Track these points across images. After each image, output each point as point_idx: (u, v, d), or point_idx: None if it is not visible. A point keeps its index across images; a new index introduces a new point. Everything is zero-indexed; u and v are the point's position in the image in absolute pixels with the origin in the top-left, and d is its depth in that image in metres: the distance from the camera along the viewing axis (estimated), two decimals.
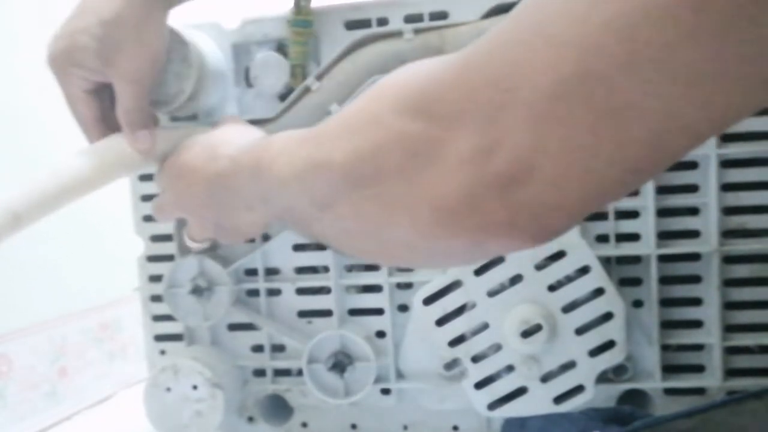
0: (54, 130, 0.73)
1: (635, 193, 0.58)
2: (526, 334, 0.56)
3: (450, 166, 0.29)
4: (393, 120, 0.31)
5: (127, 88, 0.51)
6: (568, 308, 0.57)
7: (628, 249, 0.58)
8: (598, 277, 0.57)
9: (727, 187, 0.57)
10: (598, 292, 0.57)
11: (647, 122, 0.25)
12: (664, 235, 0.58)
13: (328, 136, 0.35)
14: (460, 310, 0.59)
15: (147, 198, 0.65)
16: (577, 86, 0.25)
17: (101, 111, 0.53)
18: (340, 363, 0.62)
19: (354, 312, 0.64)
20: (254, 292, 0.65)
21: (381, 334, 0.63)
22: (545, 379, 0.58)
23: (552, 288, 0.57)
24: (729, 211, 0.57)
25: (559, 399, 0.58)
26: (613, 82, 0.24)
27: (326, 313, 0.63)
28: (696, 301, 0.59)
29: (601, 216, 0.59)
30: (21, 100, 0.79)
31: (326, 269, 0.63)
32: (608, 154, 0.26)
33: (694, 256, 0.58)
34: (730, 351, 0.58)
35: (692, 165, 0.57)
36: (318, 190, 0.36)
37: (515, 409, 0.59)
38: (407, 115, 0.31)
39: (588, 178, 0.27)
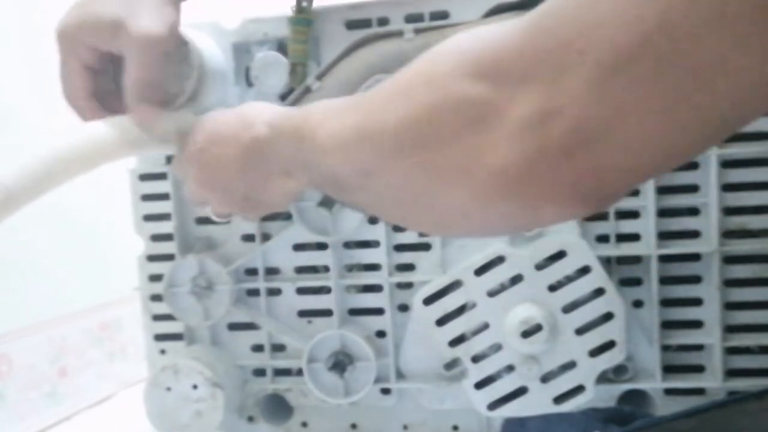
0: (41, 130, 0.73)
1: (635, 193, 0.58)
2: (527, 334, 0.56)
3: (512, 130, 0.28)
4: (453, 83, 0.30)
5: (140, 54, 0.49)
6: (569, 308, 0.57)
7: (628, 249, 0.58)
8: (598, 277, 0.57)
9: (727, 188, 0.57)
10: (599, 292, 0.57)
11: (735, 80, 0.24)
12: (664, 236, 0.58)
13: (379, 102, 0.35)
14: (460, 310, 0.59)
15: (147, 198, 0.65)
16: (661, 43, 0.24)
17: (96, 88, 0.52)
18: (340, 363, 0.62)
19: (354, 312, 0.64)
20: (254, 292, 0.65)
21: (381, 334, 0.63)
22: (545, 379, 0.58)
23: (552, 288, 0.57)
24: (729, 211, 0.57)
25: (559, 399, 0.58)
26: (701, 37, 0.23)
27: (326, 312, 0.63)
28: (696, 302, 0.59)
29: (601, 216, 0.58)
30: (5, 99, 0.78)
31: (326, 269, 0.63)
32: (690, 113, 0.25)
33: (695, 257, 0.58)
34: (730, 351, 0.58)
35: (693, 165, 0.57)
36: (365, 158, 0.35)
37: (515, 409, 0.59)
38: (468, 79, 0.30)
39: (665, 139, 0.26)
